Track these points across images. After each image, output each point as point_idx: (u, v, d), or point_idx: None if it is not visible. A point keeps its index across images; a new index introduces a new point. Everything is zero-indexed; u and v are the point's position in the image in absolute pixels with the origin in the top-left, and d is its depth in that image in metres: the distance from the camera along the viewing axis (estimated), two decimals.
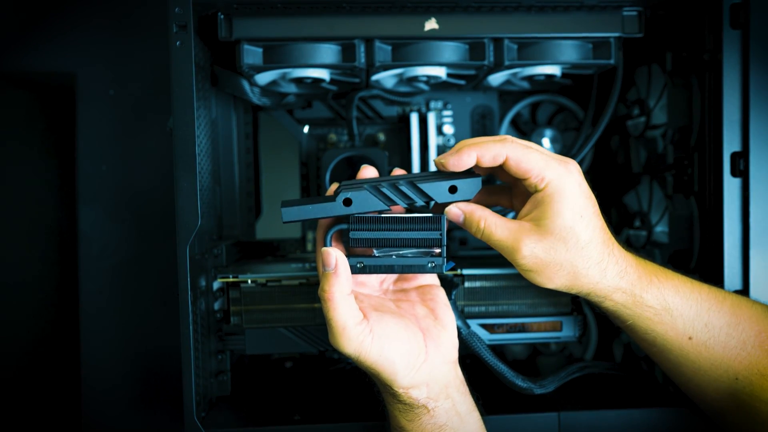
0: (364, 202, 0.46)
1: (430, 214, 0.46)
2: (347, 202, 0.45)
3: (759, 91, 0.53)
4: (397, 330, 0.45)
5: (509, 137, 0.46)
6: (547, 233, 0.44)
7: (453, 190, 0.46)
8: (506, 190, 0.52)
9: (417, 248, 0.46)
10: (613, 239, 0.47)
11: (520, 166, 0.44)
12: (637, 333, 0.49)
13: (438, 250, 0.46)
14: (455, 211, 0.47)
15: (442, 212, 0.47)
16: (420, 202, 0.46)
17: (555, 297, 0.58)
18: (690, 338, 0.47)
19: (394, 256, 0.46)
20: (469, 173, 0.47)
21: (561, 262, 0.45)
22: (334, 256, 0.43)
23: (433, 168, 0.68)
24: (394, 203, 0.46)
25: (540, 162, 0.44)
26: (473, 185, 0.46)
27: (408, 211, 0.49)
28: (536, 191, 0.45)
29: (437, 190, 0.46)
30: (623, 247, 0.48)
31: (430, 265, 0.46)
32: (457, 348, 0.49)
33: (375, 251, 0.46)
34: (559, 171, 0.44)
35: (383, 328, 0.44)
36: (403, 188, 0.46)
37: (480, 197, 0.51)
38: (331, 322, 0.43)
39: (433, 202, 0.46)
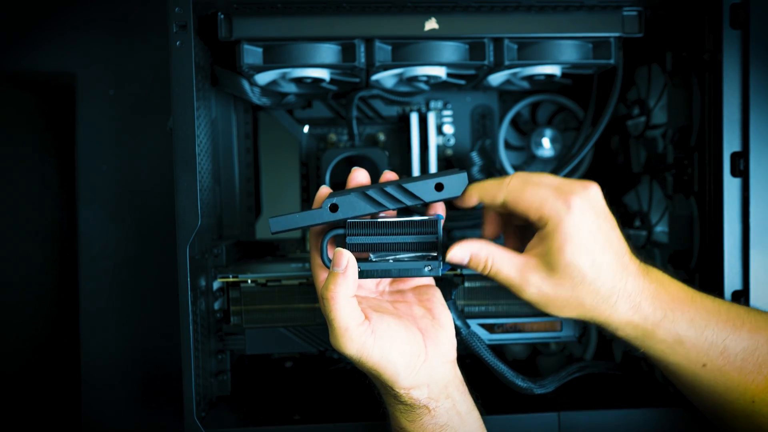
0: (351, 207, 0.45)
1: (426, 218, 0.46)
2: (333, 208, 0.45)
3: (759, 91, 0.53)
4: (397, 331, 0.45)
5: (516, 174, 0.46)
6: (552, 270, 0.44)
7: (439, 187, 0.45)
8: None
9: (414, 252, 0.46)
10: (629, 268, 0.45)
11: (517, 207, 0.45)
12: (650, 359, 0.49)
13: (434, 254, 0.46)
14: (460, 254, 0.46)
15: (436, 214, 0.47)
16: (408, 203, 0.46)
17: None
18: (704, 365, 0.47)
19: (391, 261, 0.46)
20: (455, 170, 0.46)
21: (567, 298, 0.45)
22: (347, 257, 0.43)
23: (433, 170, 0.69)
24: (382, 206, 0.46)
25: (536, 201, 0.44)
26: (459, 181, 0.45)
27: (404, 214, 0.48)
28: (539, 228, 0.45)
29: (423, 189, 0.45)
30: (648, 265, 0.47)
31: (426, 269, 0.46)
32: (456, 347, 0.49)
33: (372, 256, 0.46)
34: (556, 208, 0.43)
35: (384, 329, 0.44)
36: (390, 190, 0.45)
37: (492, 228, 0.51)
38: (333, 322, 0.43)
39: (421, 203, 0.46)
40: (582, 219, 0.43)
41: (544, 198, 0.44)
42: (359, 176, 0.48)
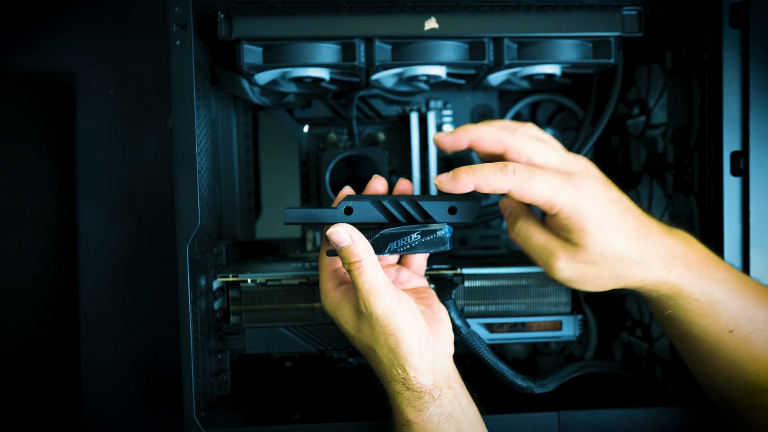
0: (365, 213, 0.47)
1: (435, 224, 0.47)
2: (348, 211, 0.46)
3: (759, 90, 0.53)
4: (414, 308, 0.46)
5: (516, 155, 0.45)
6: (578, 252, 0.44)
7: (452, 211, 0.47)
8: None
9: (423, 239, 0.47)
10: (653, 228, 0.46)
11: (525, 198, 0.44)
12: (674, 322, 0.48)
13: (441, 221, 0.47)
14: (502, 206, 0.48)
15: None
16: (419, 220, 0.47)
17: (555, 297, 0.58)
18: (731, 331, 0.46)
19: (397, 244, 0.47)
20: (470, 195, 0.47)
21: (600, 273, 0.45)
22: (344, 231, 0.44)
23: (433, 170, 0.69)
24: (394, 218, 0.47)
25: (545, 190, 0.43)
26: (473, 208, 0.47)
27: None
28: (551, 215, 0.45)
29: (437, 210, 0.47)
30: (670, 226, 0.47)
31: (441, 230, 0.46)
32: (453, 344, 0.50)
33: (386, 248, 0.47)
34: (567, 194, 0.43)
35: (406, 301, 0.46)
36: (404, 204, 0.47)
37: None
38: (364, 285, 0.44)
39: (431, 222, 0.47)
40: (594, 196, 0.44)
41: (553, 186, 0.43)
42: (378, 185, 0.51)
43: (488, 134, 0.46)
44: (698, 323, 0.47)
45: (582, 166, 0.46)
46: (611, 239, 0.44)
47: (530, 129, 0.48)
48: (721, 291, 0.46)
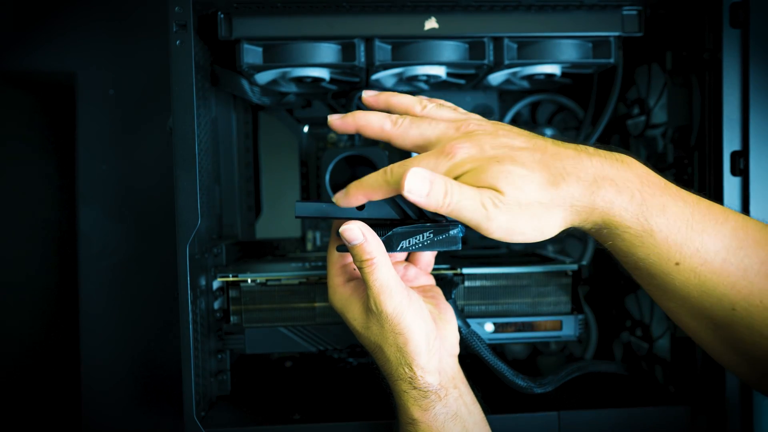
0: (377, 209, 0.46)
1: (444, 223, 0.46)
2: (360, 206, 0.46)
3: (759, 90, 0.53)
4: (423, 307, 0.47)
5: (395, 137, 0.45)
6: (503, 196, 0.40)
7: None
8: None
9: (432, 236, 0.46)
10: (566, 154, 0.41)
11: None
12: (618, 255, 0.43)
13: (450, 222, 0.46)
14: (416, 182, 0.40)
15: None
16: (430, 216, 0.47)
17: (555, 296, 0.58)
18: (677, 264, 0.41)
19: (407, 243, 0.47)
20: None
21: (533, 211, 0.40)
22: (357, 228, 0.44)
23: None
24: (406, 215, 0.47)
25: (425, 167, 0.41)
26: None
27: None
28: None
29: None
30: (609, 150, 0.43)
31: (452, 230, 0.46)
32: (458, 343, 0.50)
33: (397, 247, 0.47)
34: (442, 168, 0.41)
35: (416, 299, 0.46)
36: None
37: None
38: (375, 283, 0.44)
39: (443, 219, 0.46)
40: (473, 155, 0.41)
41: (427, 167, 0.41)
42: None
43: (372, 123, 0.46)
44: (639, 255, 0.41)
45: (462, 131, 0.43)
46: (511, 187, 0.40)
47: (427, 108, 0.46)
48: (659, 217, 0.40)
